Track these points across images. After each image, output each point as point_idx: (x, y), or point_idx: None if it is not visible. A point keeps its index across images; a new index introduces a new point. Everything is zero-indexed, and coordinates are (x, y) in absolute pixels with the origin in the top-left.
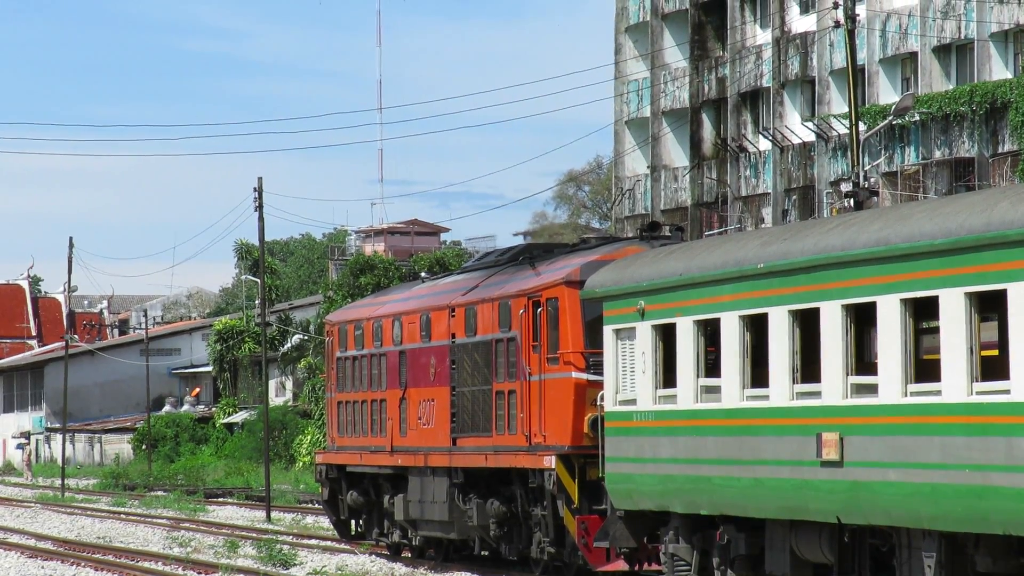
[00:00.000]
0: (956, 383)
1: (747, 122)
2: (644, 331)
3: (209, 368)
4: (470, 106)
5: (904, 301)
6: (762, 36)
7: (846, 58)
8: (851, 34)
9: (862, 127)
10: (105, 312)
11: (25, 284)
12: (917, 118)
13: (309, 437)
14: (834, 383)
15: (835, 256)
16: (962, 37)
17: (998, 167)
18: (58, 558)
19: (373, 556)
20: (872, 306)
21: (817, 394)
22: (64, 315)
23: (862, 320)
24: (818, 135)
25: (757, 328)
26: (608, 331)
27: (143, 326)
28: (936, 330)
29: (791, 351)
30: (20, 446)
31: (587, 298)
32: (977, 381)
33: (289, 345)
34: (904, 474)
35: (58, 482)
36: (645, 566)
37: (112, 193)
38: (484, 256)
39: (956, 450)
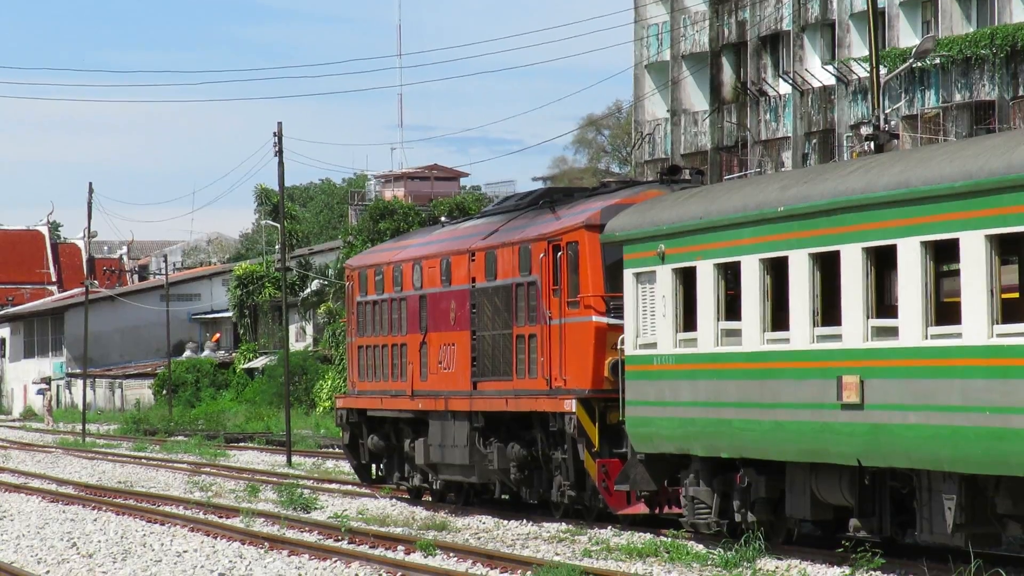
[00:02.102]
0: (977, 326)
1: (767, 66)
2: (664, 275)
3: (229, 313)
4: (489, 51)
5: (924, 244)
6: None
7: (866, 1)
8: None
9: (882, 70)
10: (125, 258)
11: (45, 230)
12: (937, 61)
13: (329, 382)
14: (855, 326)
15: (855, 199)
16: None
17: (1018, 109)
18: (80, 502)
19: (394, 500)
20: (892, 249)
21: (838, 337)
22: (84, 261)
23: (883, 263)
24: (838, 78)
25: (777, 271)
26: (628, 275)
27: (163, 272)
28: (957, 273)
29: (811, 294)
30: (41, 392)
31: (607, 242)
32: (998, 323)
33: (309, 290)
34: (925, 416)
35: (79, 427)
36: (665, 509)
37: (132, 139)
38: (504, 200)
39: (976, 392)
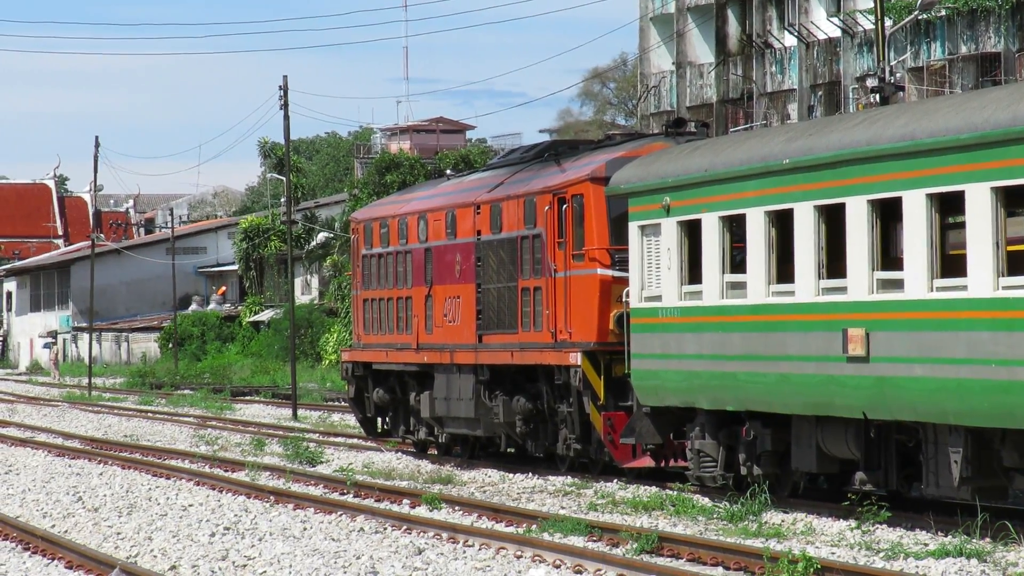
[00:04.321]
0: (982, 278)
1: (772, 18)
2: (669, 227)
3: (235, 267)
4: (494, 3)
5: (930, 196)
6: None
7: None
8: None
9: (888, 22)
10: (131, 211)
11: (51, 184)
12: (943, 13)
13: (335, 335)
14: (860, 278)
15: (861, 151)
16: None
17: None
18: (85, 456)
19: (399, 453)
20: (898, 201)
21: (843, 289)
22: (90, 214)
23: (888, 215)
24: (844, 31)
25: (782, 224)
26: (633, 227)
27: (169, 225)
28: (962, 225)
29: (817, 247)
30: (47, 345)
31: (612, 194)
32: (1003, 276)
33: (315, 243)
34: (930, 369)
35: (85, 381)
36: (671, 462)
37: (138, 92)
38: (509, 153)
39: (982, 345)
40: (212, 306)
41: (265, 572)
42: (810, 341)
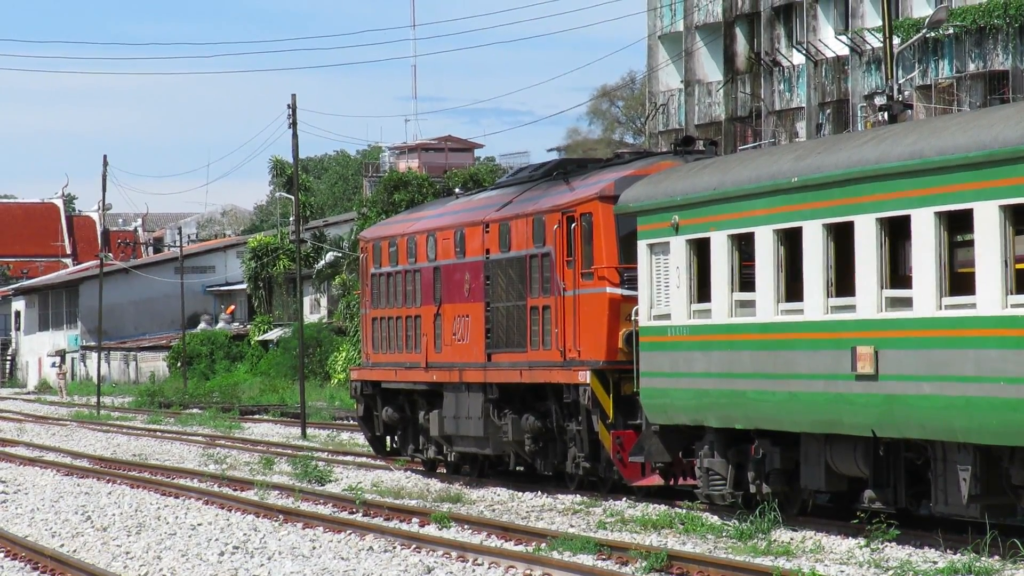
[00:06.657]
0: (991, 296)
1: (780, 36)
2: (678, 246)
3: (244, 285)
4: (502, 21)
5: (938, 214)
6: None
7: None
8: None
9: (896, 40)
10: (140, 230)
11: (60, 203)
12: (951, 31)
13: (344, 354)
14: (869, 296)
15: (869, 169)
16: None
17: None
18: (94, 476)
19: (408, 472)
20: (906, 219)
21: (852, 308)
22: (99, 233)
23: (896, 233)
24: (852, 49)
25: (791, 242)
26: (642, 246)
27: (177, 244)
28: (971, 243)
29: (825, 265)
30: (55, 364)
31: (621, 213)
32: (1012, 294)
33: (323, 262)
34: (939, 387)
35: (93, 400)
36: (680, 481)
37: (146, 111)
38: (518, 172)
39: (991, 363)
40: (221, 325)
41: None
42: (819, 359)
